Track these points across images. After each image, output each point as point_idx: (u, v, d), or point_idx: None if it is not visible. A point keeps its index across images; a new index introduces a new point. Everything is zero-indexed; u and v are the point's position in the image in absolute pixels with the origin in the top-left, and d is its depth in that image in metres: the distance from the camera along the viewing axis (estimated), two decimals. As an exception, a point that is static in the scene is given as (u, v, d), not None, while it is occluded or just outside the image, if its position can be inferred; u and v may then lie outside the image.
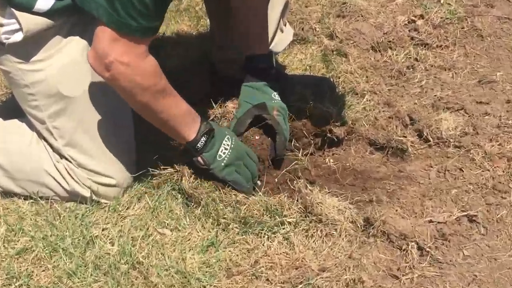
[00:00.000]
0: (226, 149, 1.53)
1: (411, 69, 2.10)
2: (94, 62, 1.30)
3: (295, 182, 1.61)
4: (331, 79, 2.01)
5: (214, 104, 1.77)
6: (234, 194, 1.56)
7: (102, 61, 1.27)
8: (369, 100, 1.94)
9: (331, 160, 1.75)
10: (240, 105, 1.60)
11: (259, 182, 1.57)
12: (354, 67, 2.08)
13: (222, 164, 1.48)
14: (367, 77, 2.06)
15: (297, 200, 1.51)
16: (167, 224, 1.52)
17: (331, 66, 2.09)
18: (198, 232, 1.49)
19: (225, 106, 1.76)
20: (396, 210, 1.56)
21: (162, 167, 1.56)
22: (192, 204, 1.58)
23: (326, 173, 1.71)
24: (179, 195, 1.56)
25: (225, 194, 1.56)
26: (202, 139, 1.45)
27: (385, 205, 1.58)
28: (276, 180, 1.65)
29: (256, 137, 1.66)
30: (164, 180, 1.58)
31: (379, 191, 1.64)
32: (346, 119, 1.81)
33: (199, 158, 1.48)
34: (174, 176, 1.61)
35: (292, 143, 1.72)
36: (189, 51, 2.10)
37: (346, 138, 1.77)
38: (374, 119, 1.85)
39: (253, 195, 1.52)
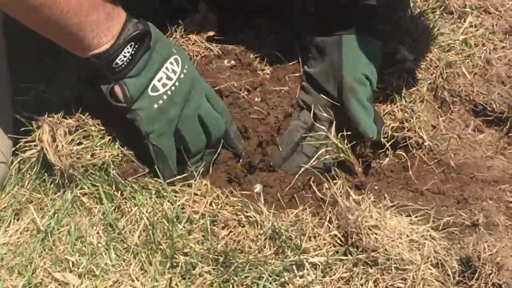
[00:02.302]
0: (170, 78, 1.53)
1: None
2: None
3: (326, 186, 1.61)
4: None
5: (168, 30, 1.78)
6: (216, 200, 1.56)
7: None
8: (475, 26, 1.93)
9: (398, 145, 1.74)
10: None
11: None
12: (447, -40, 2.06)
13: (155, 106, 1.53)
14: (472, -22, 2.05)
15: (330, 221, 1.52)
16: (73, 263, 1.51)
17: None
18: (133, 281, 1.48)
19: (181, 34, 1.78)
20: None
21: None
22: (123, 224, 1.55)
23: (387, 170, 1.71)
24: (96, 205, 1.58)
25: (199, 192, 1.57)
26: (125, 48, 1.48)
27: (503, 233, 1.56)
28: (291, 183, 1.65)
29: (256, 99, 1.66)
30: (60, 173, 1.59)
31: (492, 205, 1.62)
32: (425, 67, 1.83)
33: (116, 87, 1.51)
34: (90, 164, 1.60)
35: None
36: None
37: (423, 97, 1.77)
38: (485, 63, 1.84)
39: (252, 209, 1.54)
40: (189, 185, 1.59)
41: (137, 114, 1.52)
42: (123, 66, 1.48)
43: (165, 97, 1.52)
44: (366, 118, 1.64)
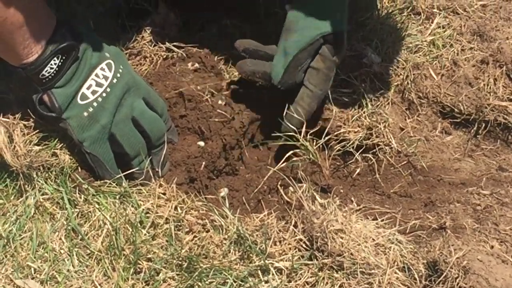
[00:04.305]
0: (100, 85, 1.54)
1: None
2: None
3: (291, 189, 1.60)
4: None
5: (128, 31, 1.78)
6: (181, 204, 1.55)
7: None
8: (443, 27, 1.94)
9: (363, 145, 1.73)
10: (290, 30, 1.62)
11: (167, 166, 1.63)
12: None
13: (85, 114, 1.54)
14: (439, -22, 2.05)
15: (296, 225, 1.52)
16: (35, 270, 1.50)
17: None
18: (96, 287, 1.47)
19: (141, 36, 1.77)
20: (492, 247, 1.54)
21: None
22: (86, 229, 1.54)
23: (354, 173, 1.72)
24: (59, 210, 1.57)
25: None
26: (52, 60, 1.49)
27: (470, 236, 1.56)
28: (257, 185, 1.65)
29: (220, 102, 1.66)
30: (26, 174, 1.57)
31: (459, 208, 1.63)
32: (392, 69, 1.82)
33: (45, 96, 1.52)
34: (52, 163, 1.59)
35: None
36: None
37: (390, 100, 1.78)
38: (452, 64, 1.85)
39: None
40: (153, 188, 1.58)
41: (67, 123, 1.52)
42: (49, 77, 1.48)
43: (95, 104, 1.52)
44: (278, 62, 1.61)
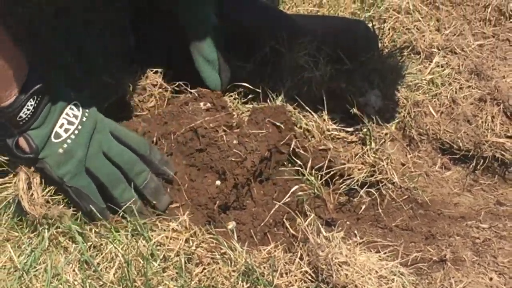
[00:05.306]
0: (71, 123, 1.55)
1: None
2: None
3: (298, 222, 1.61)
4: (368, 24, 2.01)
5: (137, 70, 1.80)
6: (193, 237, 1.55)
7: None
8: (442, 66, 1.94)
9: (367, 182, 1.75)
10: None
11: (166, 198, 1.63)
12: (413, 2, 2.10)
13: (60, 151, 1.54)
14: (437, 20, 2.09)
15: (301, 258, 1.53)
16: None
17: (371, -1, 2.08)
18: None
19: (146, 76, 1.79)
20: (491, 279, 1.55)
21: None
22: (99, 261, 1.55)
23: (356, 207, 1.73)
24: (73, 244, 1.58)
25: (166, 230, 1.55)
26: (29, 103, 1.49)
27: (470, 268, 1.57)
28: (263, 219, 1.66)
29: (234, 142, 1.66)
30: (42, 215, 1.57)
31: (459, 241, 1.64)
32: (393, 107, 1.84)
33: (21, 139, 1.53)
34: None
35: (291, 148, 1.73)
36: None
37: (392, 136, 1.81)
38: (451, 102, 1.86)
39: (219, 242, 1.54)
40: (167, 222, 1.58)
41: (45, 162, 1.53)
42: (26, 119, 1.49)
43: (69, 141, 1.53)
44: (208, 70, 1.69)
